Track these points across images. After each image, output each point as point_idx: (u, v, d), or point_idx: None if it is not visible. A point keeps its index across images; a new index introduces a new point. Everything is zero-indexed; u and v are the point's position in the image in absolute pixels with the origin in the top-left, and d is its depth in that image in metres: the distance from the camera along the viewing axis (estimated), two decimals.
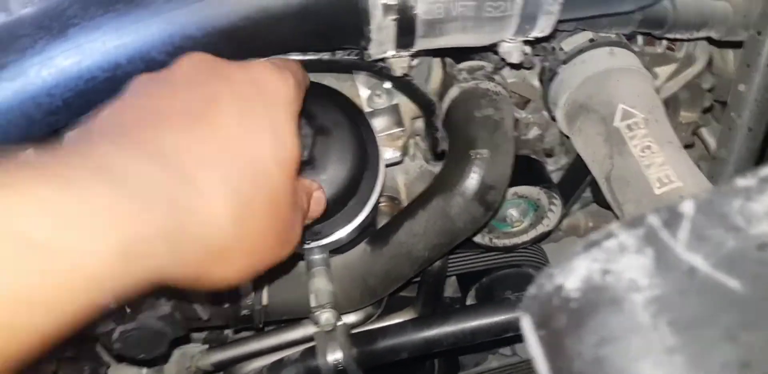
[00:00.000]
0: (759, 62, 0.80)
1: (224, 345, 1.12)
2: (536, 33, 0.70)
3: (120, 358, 1.03)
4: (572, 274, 0.33)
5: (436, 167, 1.08)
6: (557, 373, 0.31)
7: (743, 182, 0.34)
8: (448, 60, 0.92)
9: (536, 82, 0.98)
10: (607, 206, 0.96)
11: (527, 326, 0.34)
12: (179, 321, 0.83)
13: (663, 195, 0.71)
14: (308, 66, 0.72)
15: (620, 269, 0.32)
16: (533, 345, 0.33)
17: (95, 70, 0.64)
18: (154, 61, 0.63)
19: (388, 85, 0.94)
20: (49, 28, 0.64)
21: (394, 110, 0.97)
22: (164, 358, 1.14)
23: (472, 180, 0.84)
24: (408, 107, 0.97)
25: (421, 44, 0.69)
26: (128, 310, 0.77)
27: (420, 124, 1.02)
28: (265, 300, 0.96)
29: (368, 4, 0.64)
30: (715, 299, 0.30)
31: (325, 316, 0.86)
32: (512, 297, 0.93)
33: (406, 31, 0.66)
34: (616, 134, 0.78)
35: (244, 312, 0.95)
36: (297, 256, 0.91)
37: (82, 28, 0.63)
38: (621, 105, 0.80)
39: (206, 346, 1.22)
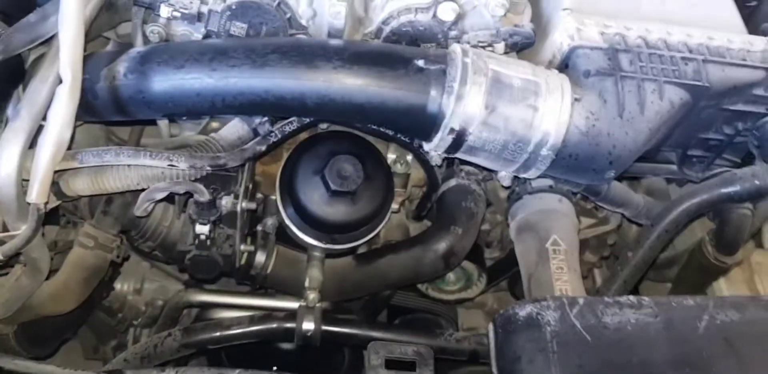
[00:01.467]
0: (644, 243, 1.25)
1: (210, 290, 1.49)
2: (525, 175, 1.14)
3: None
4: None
5: (411, 224, 1.51)
6: None
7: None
8: (456, 160, 1.35)
9: (502, 195, 1.42)
10: (517, 296, 1.42)
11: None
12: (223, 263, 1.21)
13: None
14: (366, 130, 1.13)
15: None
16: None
17: (259, 93, 1.04)
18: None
19: (410, 157, 1.36)
20: (253, 60, 1.05)
21: (406, 177, 1.41)
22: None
23: (445, 245, 1.28)
24: (414, 177, 1.41)
25: (458, 155, 1.13)
26: (208, 241, 1.15)
27: (415, 191, 1.45)
28: (269, 269, 1.35)
29: (441, 126, 1.07)
30: None
31: (312, 296, 1.26)
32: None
33: (455, 146, 1.09)
34: (545, 252, 1.22)
35: (252, 272, 1.34)
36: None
37: (270, 67, 1.03)
38: (554, 236, 1.24)
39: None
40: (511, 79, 1.06)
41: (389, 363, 0.87)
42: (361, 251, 1.41)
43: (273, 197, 1.33)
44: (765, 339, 0.85)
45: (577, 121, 1.07)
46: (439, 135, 1.08)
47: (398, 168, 1.38)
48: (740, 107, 1.18)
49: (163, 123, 1.26)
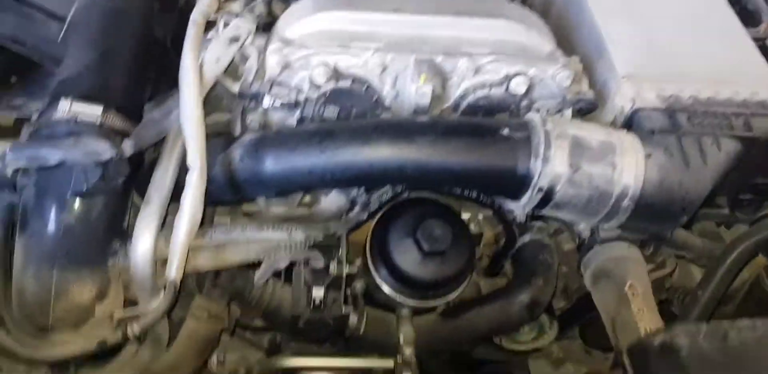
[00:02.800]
0: (711, 281, 1.36)
1: (302, 354, 1.56)
2: (606, 226, 1.26)
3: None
4: None
5: (481, 281, 1.61)
6: None
7: None
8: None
9: (566, 248, 1.52)
10: (590, 344, 1.51)
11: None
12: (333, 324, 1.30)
13: None
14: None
15: None
16: None
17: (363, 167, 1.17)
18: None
19: (480, 217, 1.48)
20: (357, 139, 1.18)
21: (480, 236, 1.51)
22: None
23: (529, 296, 1.38)
24: (486, 236, 1.51)
25: (546, 212, 1.24)
26: (322, 304, 1.24)
27: (485, 249, 1.55)
28: (361, 330, 1.43)
29: (531, 185, 1.19)
30: None
31: (408, 352, 1.34)
32: None
33: (543, 203, 1.21)
34: (624, 297, 1.32)
35: (346, 333, 1.42)
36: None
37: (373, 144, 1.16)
38: (630, 280, 1.34)
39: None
40: (589, 141, 1.19)
41: None
42: (440, 308, 1.50)
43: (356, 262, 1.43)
44: None
45: (650, 174, 1.19)
46: (528, 194, 1.20)
47: (472, 228, 1.48)
48: None
49: (261, 200, 1.37)
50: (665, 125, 1.25)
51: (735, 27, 1.48)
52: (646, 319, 1.29)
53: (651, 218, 1.24)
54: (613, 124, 1.31)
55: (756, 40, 1.49)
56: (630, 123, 1.29)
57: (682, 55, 1.38)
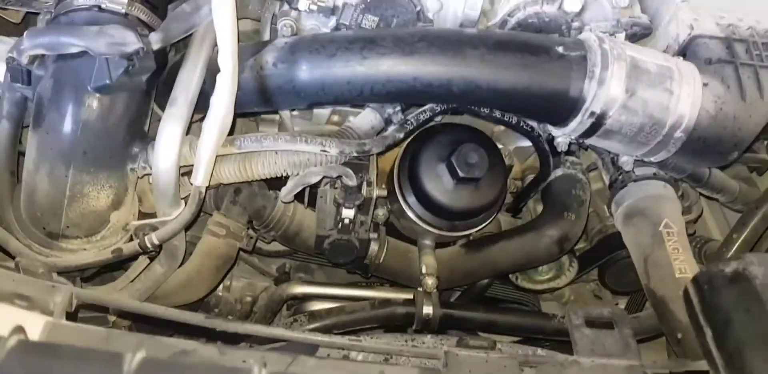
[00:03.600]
0: (746, 226, 1.32)
1: (313, 283, 1.51)
2: (652, 158, 1.20)
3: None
4: None
5: (502, 217, 1.55)
6: None
7: None
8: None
9: (594, 187, 1.47)
10: (608, 287, 1.47)
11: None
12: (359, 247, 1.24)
13: (679, 279, 1.19)
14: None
15: None
16: None
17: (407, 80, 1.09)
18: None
19: (512, 147, 1.41)
20: (402, 48, 1.09)
21: (510, 168, 1.45)
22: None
23: (560, 231, 1.32)
24: (515, 169, 1.46)
25: (591, 141, 1.18)
26: (351, 225, 1.18)
27: (515, 183, 1.49)
28: (381, 258, 1.37)
29: (582, 109, 1.12)
30: None
31: (430, 282, 1.28)
32: None
33: (591, 130, 1.14)
34: (659, 235, 1.27)
35: (366, 261, 1.36)
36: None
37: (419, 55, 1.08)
38: (666, 219, 1.29)
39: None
40: (647, 65, 1.12)
41: (588, 323, 0.91)
42: (461, 241, 1.45)
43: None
44: None
45: (706, 105, 1.13)
46: (578, 119, 1.13)
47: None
48: None
49: (286, 115, 1.29)
50: (723, 55, 1.18)
51: None
52: (681, 259, 1.24)
53: (700, 152, 1.18)
54: (666, 52, 1.24)
55: None
56: (685, 51, 1.21)
57: None
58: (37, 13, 1.29)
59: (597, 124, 1.13)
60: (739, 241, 1.33)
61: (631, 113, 1.11)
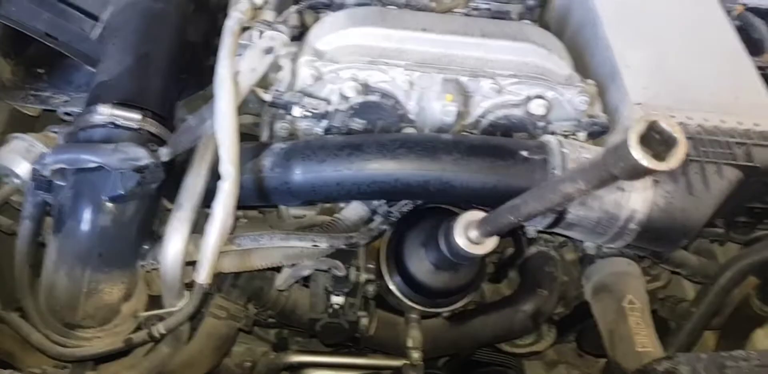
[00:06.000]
0: (706, 300, 1.44)
1: (309, 351, 1.62)
2: (612, 245, 1.32)
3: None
4: None
5: (485, 286, 1.67)
6: None
7: None
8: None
9: (568, 258, 1.60)
10: (586, 351, 1.59)
11: None
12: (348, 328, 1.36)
13: (641, 352, 1.31)
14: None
15: None
16: None
17: (389, 181, 1.22)
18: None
19: None
20: (384, 154, 1.23)
21: None
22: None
23: (534, 306, 1.45)
24: None
25: (556, 230, 1.31)
26: (340, 310, 1.30)
27: (491, 257, 1.62)
28: (372, 331, 1.49)
29: None
30: None
31: (416, 355, 1.40)
32: None
33: (554, 223, 1.27)
34: (622, 310, 1.39)
35: (357, 334, 1.48)
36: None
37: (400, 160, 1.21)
38: (629, 295, 1.42)
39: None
40: None
41: None
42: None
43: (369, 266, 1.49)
44: None
45: (657, 199, 1.26)
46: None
47: None
48: None
49: (283, 207, 1.41)
50: None
51: (741, 56, 1.54)
52: (642, 334, 1.37)
53: (653, 240, 1.31)
54: None
55: (760, 68, 1.56)
56: None
57: (691, 83, 1.44)
58: (53, 110, 1.44)
59: (559, 218, 1.26)
60: (697, 315, 1.45)
61: (587, 209, 1.24)
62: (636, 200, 1.24)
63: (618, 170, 0.77)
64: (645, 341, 1.36)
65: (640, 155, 0.72)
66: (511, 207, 1.01)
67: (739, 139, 1.35)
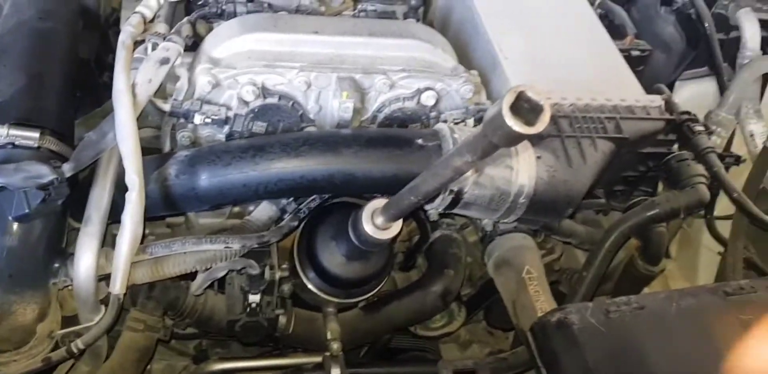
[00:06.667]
0: (594, 263, 1.58)
1: (230, 358, 1.64)
2: (506, 220, 1.43)
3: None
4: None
5: (396, 274, 1.75)
6: None
7: None
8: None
9: (471, 240, 1.71)
10: (494, 326, 1.70)
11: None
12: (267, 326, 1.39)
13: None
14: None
15: None
16: None
17: (295, 178, 1.27)
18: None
19: None
20: (288, 153, 1.28)
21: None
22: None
23: (442, 286, 1.53)
24: (401, 234, 1.66)
25: (455, 211, 1.40)
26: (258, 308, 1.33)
27: (400, 245, 1.70)
28: (290, 329, 1.53)
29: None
30: None
31: (336, 346, 1.45)
32: None
33: (453, 204, 1.36)
34: (522, 281, 1.50)
35: (276, 334, 1.51)
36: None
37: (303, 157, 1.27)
38: (527, 266, 1.53)
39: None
40: None
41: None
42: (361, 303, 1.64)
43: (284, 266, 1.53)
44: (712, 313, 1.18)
45: (541, 174, 1.38)
46: (441, 196, 1.35)
47: None
48: (649, 149, 1.55)
49: (191, 214, 1.43)
50: (551, 130, 1.44)
51: (606, 41, 1.71)
52: (541, 300, 1.48)
53: (542, 212, 1.42)
54: None
55: (622, 51, 1.73)
56: None
57: (564, 67, 1.58)
58: None
59: (456, 199, 1.35)
60: (588, 279, 1.58)
61: (481, 187, 1.34)
62: (523, 176, 1.35)
63: (497, 138, 0.85)
64: (545, 306, 1.47)
65: (512, 122, 0.80)
66: (411, 188, 1.09)
67: (608, 114, 1.50)
